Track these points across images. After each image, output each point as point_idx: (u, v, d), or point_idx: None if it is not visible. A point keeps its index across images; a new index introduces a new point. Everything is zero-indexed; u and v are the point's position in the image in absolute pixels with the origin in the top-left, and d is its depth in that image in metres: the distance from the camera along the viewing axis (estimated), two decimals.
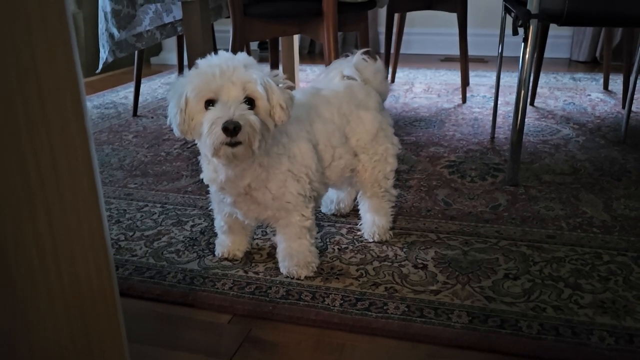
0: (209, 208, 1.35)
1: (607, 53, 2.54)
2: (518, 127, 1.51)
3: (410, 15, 2.95)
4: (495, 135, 1.98)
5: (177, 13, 2.13)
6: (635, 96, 1.98)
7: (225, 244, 1.19)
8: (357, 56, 1.23)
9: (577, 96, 2.51)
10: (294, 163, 1.05)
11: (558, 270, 1.12)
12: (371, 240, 1.25)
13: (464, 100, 2.46)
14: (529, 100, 1.92)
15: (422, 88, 2.74)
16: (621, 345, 0.91)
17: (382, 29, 3.45)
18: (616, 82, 2.66)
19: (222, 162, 0.99)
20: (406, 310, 1.00)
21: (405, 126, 2.11)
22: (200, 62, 0.97)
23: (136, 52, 2.19)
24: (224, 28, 3.11)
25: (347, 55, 1.26)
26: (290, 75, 2.46)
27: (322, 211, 1.39)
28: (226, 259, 1.19)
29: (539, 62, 2.36)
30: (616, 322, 0.96)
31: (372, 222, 1.24)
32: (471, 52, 2.80)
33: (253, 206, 1.07)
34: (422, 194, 1.49)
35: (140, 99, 2.56)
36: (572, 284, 1.07)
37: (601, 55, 3.18)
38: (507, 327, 0.95)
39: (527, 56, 1.48)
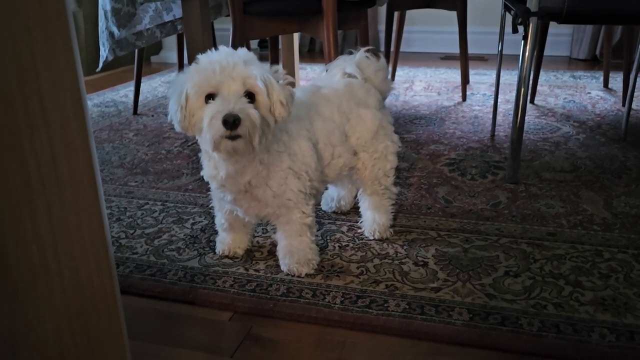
0: (210, 206, 1.35)
1: (607, 51, 2.53)
2: (518, 125, 1.51)
3: (410, 13, 2.94)
4: (496, 133, 1.98)
5: (177, 11, 2.13)
6: (635, 94, 1.98)
7: (226, 241, 1.19)
8: (360, 54, 1.23)
9: (577, 94, 2.51)
10: (294, 161, 1.05)
11: (559, 268, 1.12)
12: (372, 237, 1.25)
13: (464, 98, 2.45)
14: (529, 98, 1.92)
15: (422, 86, 2.73)
16: (622, 343, 0.91)
17: (382, 27, 3.45)
18: (616, 80, 2.65)
19: (223, 157, 0.98)
20: (407, 308, 1.00)
21: (405, 124, 2.11)
22: (200, 57, 0.97)
23: (136, 50, 2.19)
24: (224, 26, 3.11)
25: (351, 53, 1.25)
26: (290, 73, 2.45)
27: (322, 209, 1.39)
28: (227, 256, 1.19)
29: (538, 60, 2.36)
30: (617, 319, 0.96)
31: (373, 220, 1.25)
32: (471, 50, 2.79)
33: (253, 203, 1.07)
34: (422, 192, 1.49)
35: (141, 97, 2.56)
36: (572, 281, 1.07)
37: (601, 53, 3.18)
38: (507, 324, 0.95)
39: (527, 54, 1.48)
